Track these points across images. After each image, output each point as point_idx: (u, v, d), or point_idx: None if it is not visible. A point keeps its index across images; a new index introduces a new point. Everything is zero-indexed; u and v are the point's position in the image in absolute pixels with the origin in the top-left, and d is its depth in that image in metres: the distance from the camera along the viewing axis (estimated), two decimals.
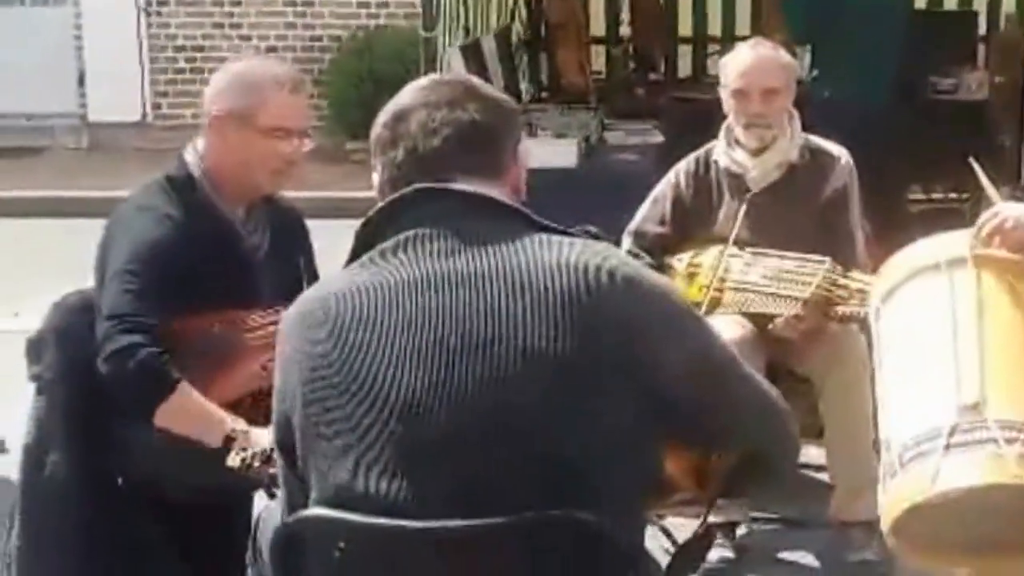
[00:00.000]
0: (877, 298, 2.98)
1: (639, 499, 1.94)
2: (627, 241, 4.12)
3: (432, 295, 1.86)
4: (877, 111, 5.93)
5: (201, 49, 11.18)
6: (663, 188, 4.13)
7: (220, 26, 11.09)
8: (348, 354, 1.86)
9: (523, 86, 6.83)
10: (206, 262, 3.04)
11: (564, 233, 1.97)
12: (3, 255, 7.68)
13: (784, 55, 4.09)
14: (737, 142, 4.02)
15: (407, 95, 2.01)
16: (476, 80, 2.09)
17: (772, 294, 3.81)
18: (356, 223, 1.99)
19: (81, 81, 11.37)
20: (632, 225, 4.14)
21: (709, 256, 3.98)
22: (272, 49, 10.96)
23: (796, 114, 4.06)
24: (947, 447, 2.54)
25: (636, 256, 4.06)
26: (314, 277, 3.37)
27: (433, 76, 2.10)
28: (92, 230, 3.19)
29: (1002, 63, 7.07)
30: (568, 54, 6.81)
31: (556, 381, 1.81)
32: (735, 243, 3.96)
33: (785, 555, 4.02)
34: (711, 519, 2.28)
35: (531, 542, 1.81)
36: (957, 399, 2.59)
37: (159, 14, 11.16)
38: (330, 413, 1.86)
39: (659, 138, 6.30)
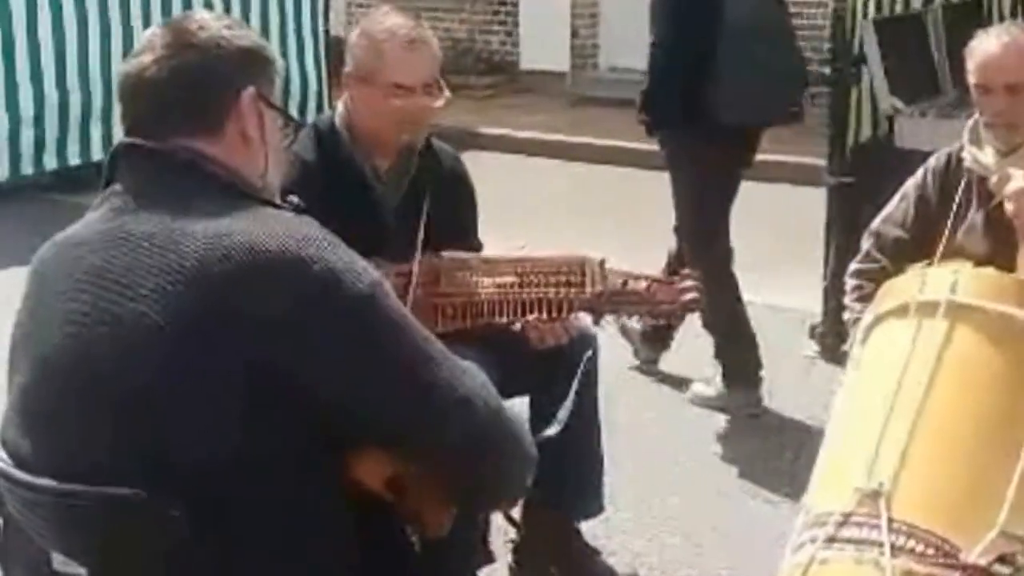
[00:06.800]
0: (861, 330, 2.56)
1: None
2: (866, 241, 3.70)
3: (88, 254, 1.86)
4: None
5: None
6: (910, 185, 3.64)
7: None
8: (27, 304, 1.95)
9: None
10: (330, 207, 3.23)
11: (272, 205, 1.90)
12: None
13: None
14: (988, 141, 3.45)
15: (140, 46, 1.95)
16: (197, 24, 1.94)
17: None
18: None
19: None
20: (873, 224, 3.69)
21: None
22: None
23: None
24: (831, 539, 2.23)
25: (872, 259, 3.65)
26: (464, 232, 3.44)
27: (163, 25, 1.97)
28: None
29: None
30: None
31: (162, 358, 1.75)
32: (972, 261, 3.40)
33: None
34: None
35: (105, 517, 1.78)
36: (865, 479, 2.25)
37: None
38: (14, 355, 1.96)
39: None
